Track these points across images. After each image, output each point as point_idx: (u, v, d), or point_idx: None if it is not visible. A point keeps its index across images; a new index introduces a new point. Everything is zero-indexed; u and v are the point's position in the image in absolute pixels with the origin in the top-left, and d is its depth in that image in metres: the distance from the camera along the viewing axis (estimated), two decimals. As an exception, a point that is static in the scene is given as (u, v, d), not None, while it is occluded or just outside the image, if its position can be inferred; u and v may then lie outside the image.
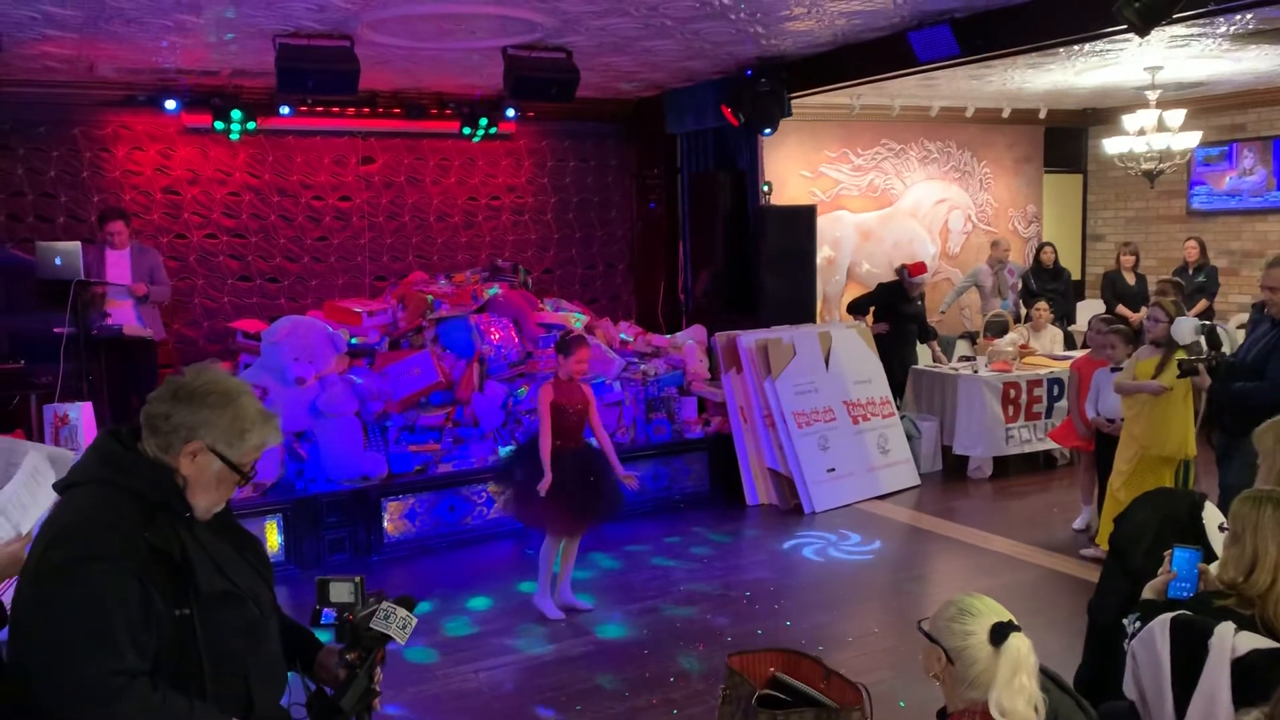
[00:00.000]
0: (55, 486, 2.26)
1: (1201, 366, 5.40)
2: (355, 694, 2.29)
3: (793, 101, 8.50)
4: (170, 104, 8.26)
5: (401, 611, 2.34)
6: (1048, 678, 2.37)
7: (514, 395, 7.52)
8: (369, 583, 2.44)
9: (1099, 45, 7.69)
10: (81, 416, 6.45)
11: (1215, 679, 2.52)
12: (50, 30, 6.24)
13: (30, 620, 2.05)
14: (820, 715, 2.70)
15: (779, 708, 2.73)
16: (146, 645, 2.05)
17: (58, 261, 6.94)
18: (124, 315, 7.49)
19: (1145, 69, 8.91)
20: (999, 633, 2.24)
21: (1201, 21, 6.74)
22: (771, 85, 8.07)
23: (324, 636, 2.51)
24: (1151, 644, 2.66)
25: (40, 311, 7.16)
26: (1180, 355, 5.62)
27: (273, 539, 6.59)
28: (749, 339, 8.03)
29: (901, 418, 8.60)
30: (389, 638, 2.32)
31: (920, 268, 9.21)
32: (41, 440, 6.51)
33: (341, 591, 2.35)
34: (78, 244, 7.14)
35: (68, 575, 2.03)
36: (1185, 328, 5.68)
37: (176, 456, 2.19)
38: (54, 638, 2.01)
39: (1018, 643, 2.25)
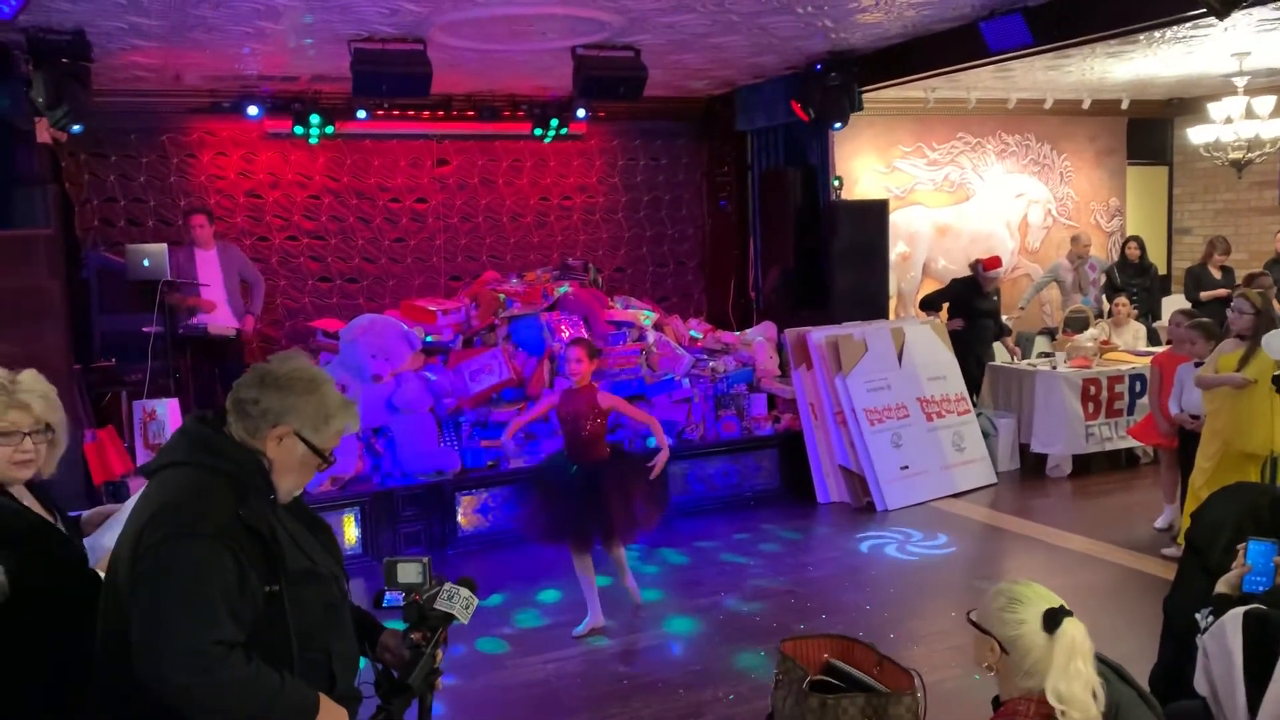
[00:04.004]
0: (144, 470, 2.35)
1: None
2: (422, 672, 2.35)
3: (865, 96, 8.42)
4: (252, 110, 8.49)
5: (464, 592, 2.40)
6: (1109, 668, 2.32)
7: (584, 392, 7.57)
8: (443, 576, 2.50)
9: (1181, 31, 7.47)
10: (168, 412, 6.71)
11: (1289, 675, 2.45)
12: (137, 40, 6.49)
13: (129, 596, 2.12)
14: (871, 700, 2.68)
15: (830, 693, 2.72)
16: (243, 618, 2.12)
17: (146, 263, 7.20)
18: (219, 315, 7.73)
19: (1232, 55, 8.62)
20: (1052, 619, 2.20)
21: (1290, 4, 6.52)
22: (841, 79, 8.00)
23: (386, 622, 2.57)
24: (1223, 639, 2.60)
25: (130, 311, 7.44)
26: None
27: (350, 532, 6.75)
28: (819, 335, 7.98)
29: (978, 415, 8.46)
30: (453, 617, 2.38)
31: (995, 262, 9.04)
32: (131, 433, 6.78)
33: (410, 572, 2.42)
34: (164, 246, 7.41)
35: (168, 550, 2.10)
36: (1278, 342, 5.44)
37: (263, 440, 2.29)
38: (154, 610, 2.07)
39: (1072, 628, 2.21)
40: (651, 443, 7.42)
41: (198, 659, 2.04)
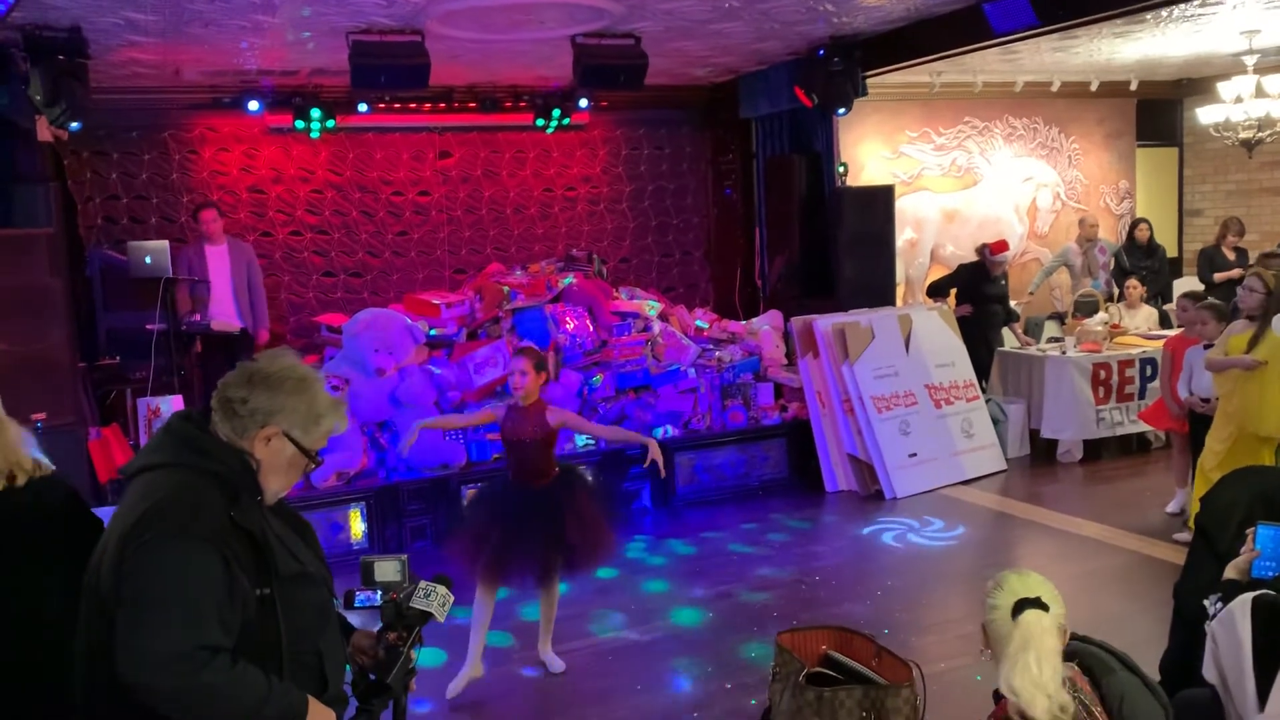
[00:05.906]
0: (126, 470, 2.29)
1: None
2: (400, 672, 2.30)
3: (870, 81, 8.34)
4: (253, 105, 8.46)
5: (441, 589, 2.35)
6: (1115, 658, 2.28)
7: (589, 384, 7.55)
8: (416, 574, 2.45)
9: (1189, 9, 7.37)
10: (172, 409, 6.69)
11: (1300, 661, 2.40)
12: (135, 36, 6.46)
13: (116, 597, 2.06)
14: (869, 693, 2.64)
15: (828, 685, 2.68)
16: (231, 623, 2.07)
17: (148, 260, 7.19)
18: (226, 313, 7.72)
19: (1242, 33, 8.52)
20: (1017, 607, 2.14)
21: (1299, -21, 6.42)
22: (845, 64, 7.92)
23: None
24: (1232, 625, 2.55)
25: (134, 309, 7.43)
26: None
27: (356, 527, 6.73)
28: (826, 323, 7.92)
29: (987, 401, 8.39)
30: (430, 615, 2.33)
31: (1001, 246, 8.97)
32: (136, 430, 6.78)
33: (388, 570, 2.37)
34: (166, 243, 7.41)
35: (156, 551, 2.04)
36: None
37: (251, 440, 2.23)
38: (141, 612, 2.02)
39: (1032, 619, 2.15)
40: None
41: (181, 663, 1.99)
